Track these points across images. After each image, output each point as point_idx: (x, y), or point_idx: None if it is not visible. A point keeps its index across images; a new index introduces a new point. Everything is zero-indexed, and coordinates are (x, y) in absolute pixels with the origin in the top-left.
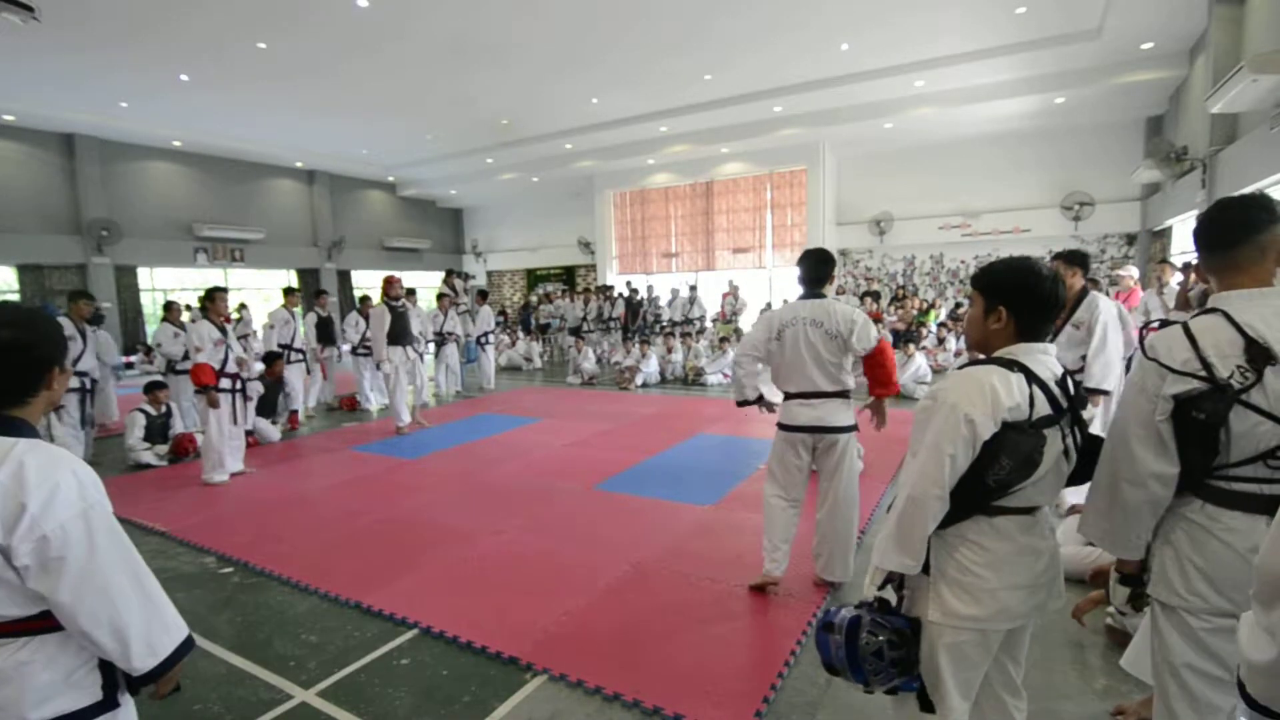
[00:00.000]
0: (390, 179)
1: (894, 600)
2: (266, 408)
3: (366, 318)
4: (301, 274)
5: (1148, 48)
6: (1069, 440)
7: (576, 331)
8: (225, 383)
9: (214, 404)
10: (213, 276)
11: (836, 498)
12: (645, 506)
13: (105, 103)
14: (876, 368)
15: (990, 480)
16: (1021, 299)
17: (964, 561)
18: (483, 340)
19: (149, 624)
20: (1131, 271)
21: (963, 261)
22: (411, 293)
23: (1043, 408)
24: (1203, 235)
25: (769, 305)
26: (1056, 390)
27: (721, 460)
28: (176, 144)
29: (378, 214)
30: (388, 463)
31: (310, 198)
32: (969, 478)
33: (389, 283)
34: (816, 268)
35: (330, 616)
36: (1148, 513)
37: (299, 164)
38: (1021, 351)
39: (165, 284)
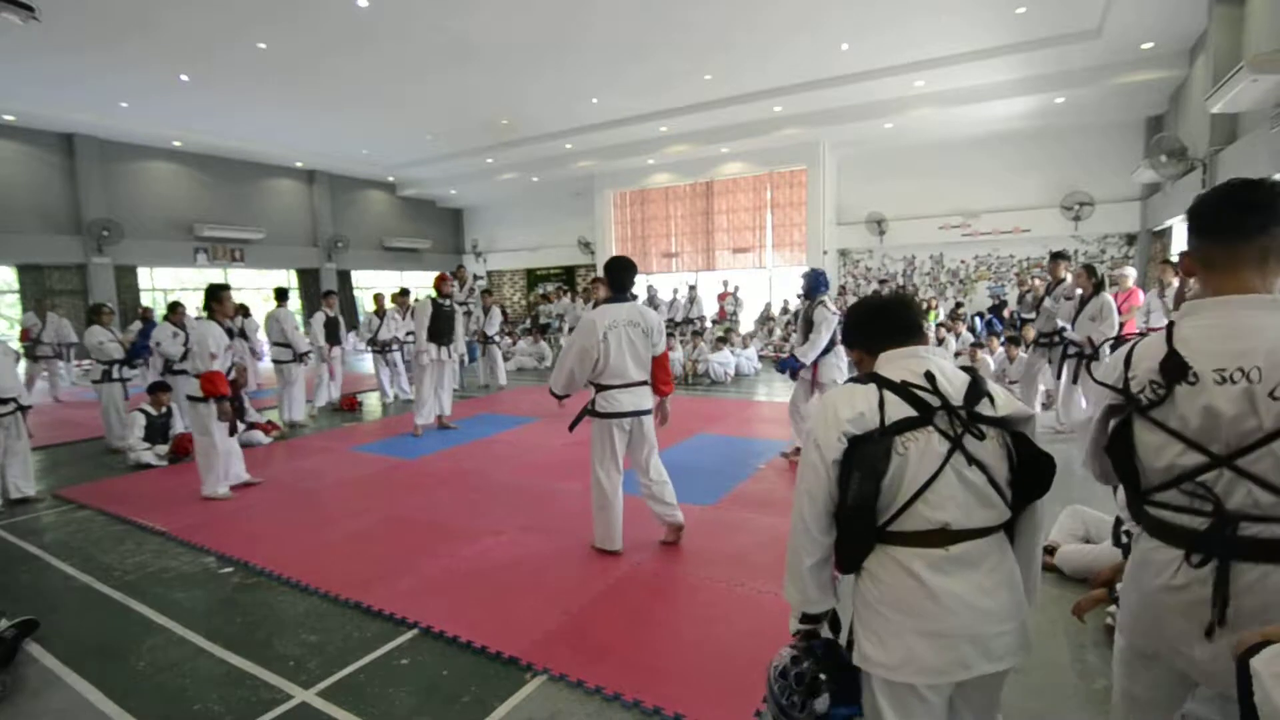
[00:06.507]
0: (390, 179)
1: (825, 633)
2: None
3: (408, 311)
4: (301, 274)
5: (1148, 48)
6: (969, 443)
7: None
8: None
9: (226, 415)
10: (213, 276)
11: (655, 462)
12: (645, 506)
13: (105, 103)
14: (660, 369)
15: (849, 501)
16: (862, 338)
17: (867, 597)
18: (494, 339)
19: None
20: (1130, 271)
21: (963, 261)
22: (405, 293)
23: (897, 411)
24: (1200, 220)
25: (769, 305)
26: (928, 387)
27: (721, 460)
28: (176, 144)
29: (378, 214)
30: (388, 463)
31: (310, 198)
32: (853, 504)
33: (441, 280)
34: (625, 274)
35: (330, 616)
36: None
37: (299, 164)
38: (882, 361)
39: (165, 284)
